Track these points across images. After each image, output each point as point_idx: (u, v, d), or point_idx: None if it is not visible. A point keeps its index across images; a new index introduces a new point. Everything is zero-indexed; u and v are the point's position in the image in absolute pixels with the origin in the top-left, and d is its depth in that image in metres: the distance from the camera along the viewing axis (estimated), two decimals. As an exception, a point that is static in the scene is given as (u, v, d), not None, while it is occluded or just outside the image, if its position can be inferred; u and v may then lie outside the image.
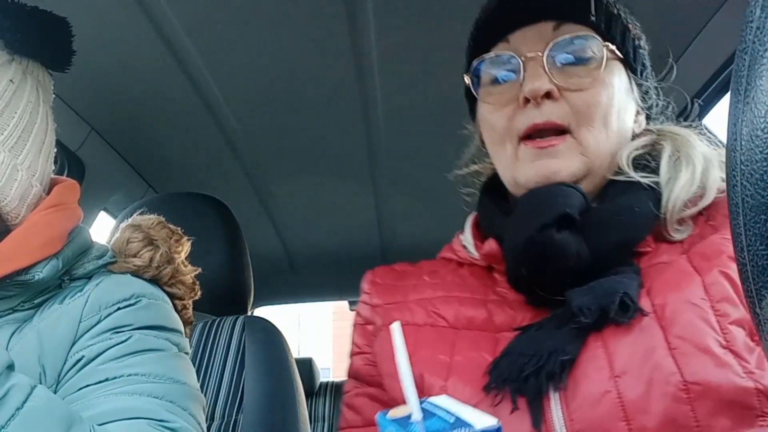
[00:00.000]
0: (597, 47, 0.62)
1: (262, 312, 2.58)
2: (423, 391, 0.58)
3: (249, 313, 1.27)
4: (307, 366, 2.30)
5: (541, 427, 0.51)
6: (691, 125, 0.67)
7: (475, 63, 0.67)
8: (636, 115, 0.67)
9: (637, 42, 0.66)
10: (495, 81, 0.65)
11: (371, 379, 0.69)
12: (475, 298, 0.64)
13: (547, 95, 0.60)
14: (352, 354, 0.73)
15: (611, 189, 0.62)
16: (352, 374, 0.72)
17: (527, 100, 0.61)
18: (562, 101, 0.61)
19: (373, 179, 1.71)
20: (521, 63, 0.62)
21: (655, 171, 0.61)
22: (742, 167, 0.24)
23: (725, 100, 0.95)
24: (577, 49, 0.61)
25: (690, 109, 0.77)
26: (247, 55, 1.15)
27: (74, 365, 0.64)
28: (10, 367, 0.52)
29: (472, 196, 0.79)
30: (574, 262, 0.56)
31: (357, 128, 1.44)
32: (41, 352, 0.64)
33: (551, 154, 0.61)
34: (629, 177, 0.61)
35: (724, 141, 0.26)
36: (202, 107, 1.32)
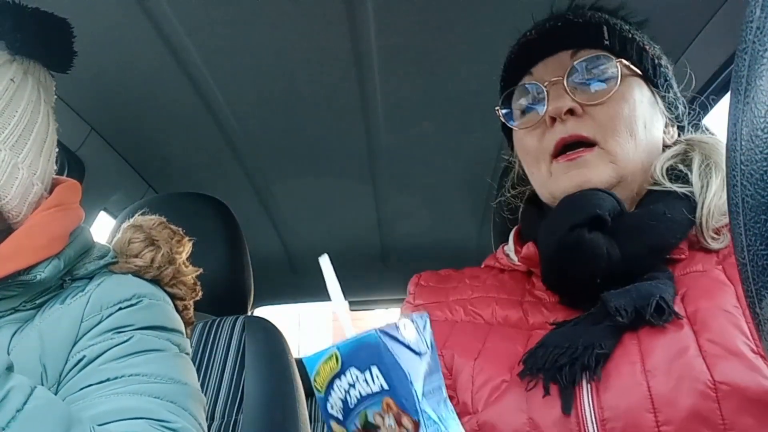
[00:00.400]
0: (612, 64, 0.66)
1: (262, 312, 2.58)
2: (452, 371, 0.63)
3: (249, 313, 1.27)
4: (307, 366, 2.29)
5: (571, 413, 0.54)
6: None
7: (503, 96, 0.73)
8: (666, 127, 0.70)
9: (656, 60, 0.70)
10: (524, 110, 0.71)
11: None
12: (511, 299, 0.69)
13: (571, 112, 0.65)
14: None
15: (647, 198, 0.65)
16: None
17: (553, 119, 0.66)
18: (585, 116, 0.65)
19: (373, 179, 1.71)
20: (544, 88, 0.68)
21: (689, 180, 0.64)
22: (742, 167, 0.24)
23: (725, 100, 0.95)
24: (595, 68, 0.67)
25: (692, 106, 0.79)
26: (247, 55, 1.15)
27: (75, 365, 0.64)
28: (10, 369, 0.52)
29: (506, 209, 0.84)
30: (605, 262, 0.58)
31: (357, 128, 1.44)
32: (42, 352, 0.64)
33: (582, 164, 0.65)
34: (664, 187, 0.63)
35: (724, 141, 0.26)
36: (202, 107, 1.32)
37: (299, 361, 1.40)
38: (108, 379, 0.62)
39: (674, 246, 0.61)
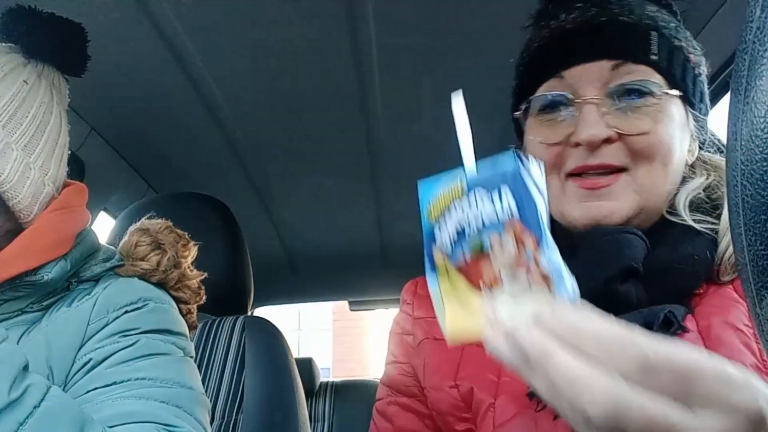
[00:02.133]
0: (657, 89, 0.58)
1: (262, 312, 2.58)
2: (472, 407, 0.59)
3: (249, 313, 1.27)
4: (307, 366, 2.30)
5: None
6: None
7: (531, 99, 0.63)
8: (690, 144, 0.64)
9: (696, 71, 0.63)
10: (546, 118, 0.62)
11: (405, 389, 0.69)
12: None
13: (605, 140, 0.58)
14: (388, 362, 0.74)
15: (670, 232, 0.60)
16: (386, 382, 0.73)
17: (579, 144, 0.59)
18: (619, 143, 0.58)
19: (373, 179, 1.71)
20: (577, 105, 0.59)
21: (710, 213, 0.60)
22: (742, 167, 0.24)
23: (725, 100, 0.95)
24: (637, 92, 0.58)
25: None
26: (248, 55, 1.15)
27: (82, 368, 0.64)
28: (26, 368, 0.53)
29: None
30: (633, 308, 0.56)
31: (357, 128, 1.44)
32: (49, 354, 0.64)
33: (602, 195, 0.58)
34: (684, 221, 0.59)
35: (724, 141, 0.26)
36: (202, 107, 1.32)
37: (299, 361, 1.41)
38: (114, 383, 0.63)
39: (698, 287, 0.58)
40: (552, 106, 0.61)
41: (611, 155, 0.58)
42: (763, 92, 0.22)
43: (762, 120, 0.22)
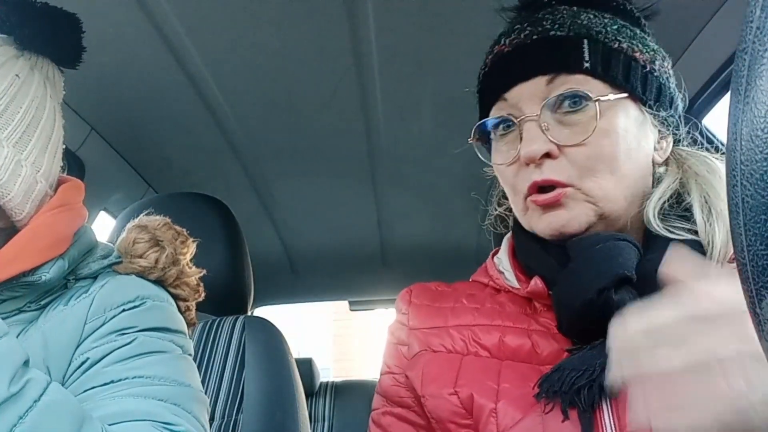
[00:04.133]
0: (591, 100, 0.59)
1: (262, 312, 2.58)
2: (473, 413, 0.59)
3: (249, 313, 1.27)
4: (307, 366, 2.30)
5: None
6: (708, 148, 0.66)
7: (476, 126, 0.67)
8: (659, 141, 0.64)
9: (648, 68, 0.62)
10: (502, 140, 0.65)
11: (400, 400, 0.69)
12: (517, 328, 0.64)
13: (547, 155, 0.59)
14: (382, 373, 0.73)
15: (658, 237, 0.60)
16: (381, 392, 0.72)
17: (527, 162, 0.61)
18: (561, 158, 0.60)
19: (373, 179, 1.71)
20: (517, 126, 0.62)
21: (687, 218, 0.60)
22: (742, 167, 0.24)
23: (725, 100, 0.95)
24: (572, 102, 0.59)
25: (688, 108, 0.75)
26: (247, 54, 1.15)
27: (79, 367, 0.64)
28: (26, 363, 0.53)
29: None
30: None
31: (357, 128, 1.44)
32: (46, 353, 0.64)
33: (556, 207, 0.60)
34: (662, 233, 0.59)
35: (724, 141, 0.26)
36: (202, 107, 1.32)
37: (299, 361, 1.41)
38: (112, 381, 0.62)
39: None
40: (504, 129, 0.64)
41: (555, 171, 0.59)
42: (763, 92, 0.22)
43: (762, 120, 0.22)
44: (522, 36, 0.63)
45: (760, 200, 0.23)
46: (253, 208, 1.84)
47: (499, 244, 0.77)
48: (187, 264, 0.80)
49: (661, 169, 0.64)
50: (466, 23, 1.08)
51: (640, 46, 0.63)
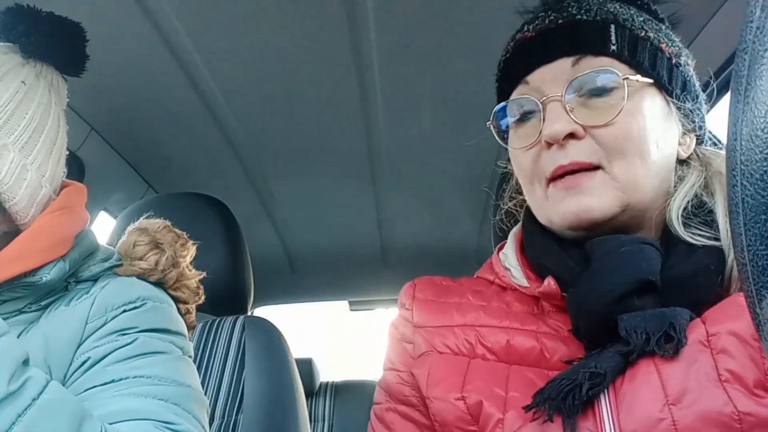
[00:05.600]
0: (621, 79, 0.58)
1: (262, 312, 2.58)
2: (480, 421, 0.58)
3: (249, 313, 1.27)
4: (307, 366, 2.30)
5: None
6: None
7: (497, 109, 0.65)
8: (683, 136, 0.63)
9: (674, 60, 0.62)
10: (518, 123, 0.64)
11: (404, 398, 0.68)
12: (525, 330, 0.62)
13: (571, 135, 0.58)
14: (386, 368, 0.72)
15: (681, 242, 0.58)
16: (384, 388, 0.71)
17: (550, 143, 0.59)
18: (588, 138, 0.58)
19: (373, 179, 1.71)
20: (540, 106, 0.60)
21: (709, 224, 0.58)
22: (742, 167, 0.24)
23: (725, 100, 0.95)
24: (598, 82, 0.58)
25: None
26: (247, 54, 1.15)
27: (80, 366, 0.64)
28: (26, 362, 0.53)
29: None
30: None
31: (357, 128, 1.44)
32: (47, 353, 0.64)
33: (580, 192, 0.58)
34: (684, 239, 0.57)
35: (724, 141, 0.26)
36: (202, 107, 1.32)
37: (299, 361, 1.41)
38: (113, 381, 0.63)
39: (712, 297, 0.56)
40: (525, 114, 0.63)
41: (582, 153, 0.58)
42: (763, 92, 0.22)
43: (762, 120, 0.22)
44: (546, 21, 0.63)
45: (760, 200, 0.23)
46: (253, 208, 1.84)
47: (498, 240, 0.76)
48: (187, 266, 0.80)
49: (683, 169, 0.63)
50: (466, 23, 1.08)
51: (666, 39, 0.62)
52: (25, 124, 0.67)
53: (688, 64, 0.64)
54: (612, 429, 0.51)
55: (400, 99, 1.32)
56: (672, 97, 0.61)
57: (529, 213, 0.70)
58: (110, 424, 0.57)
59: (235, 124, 1.40)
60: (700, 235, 0.58)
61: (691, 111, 0.63)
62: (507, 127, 0.66)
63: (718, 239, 0.57)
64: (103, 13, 1.01)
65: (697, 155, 0.64)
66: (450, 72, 1.22)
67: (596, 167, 0.58)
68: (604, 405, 0.53)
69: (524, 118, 0.63)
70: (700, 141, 0.65)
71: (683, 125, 0.63)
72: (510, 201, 0.76)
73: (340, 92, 1.28)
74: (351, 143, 1.51)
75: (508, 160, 0.71)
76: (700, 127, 0.65)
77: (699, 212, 0.59)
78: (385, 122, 1.42)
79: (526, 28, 0.65)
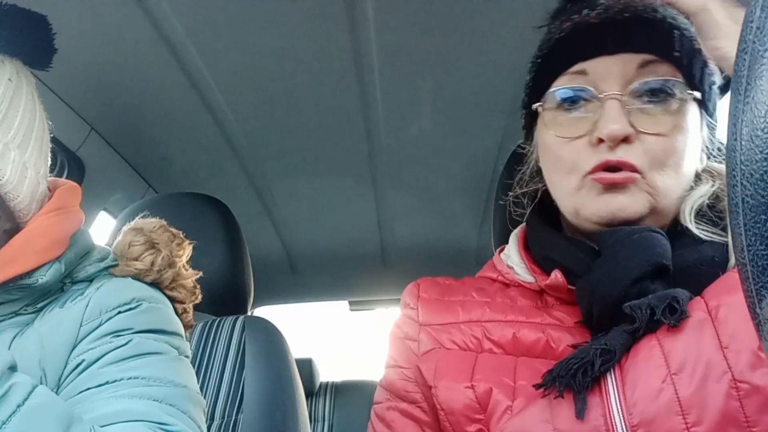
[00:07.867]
0: (680, 92, 0.58)
1: (262, 312, 2.58)
2: (488, 408, 0.58)
3: (249, 313, 1.27)
4: (307, 366, 2.30)
5: (585, 414, 0.53)
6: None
7: (552, 90, 0.63)
8: (701, 152, 0.64)
9: (712, 78, 0.62)
10: (566, 111, 0.62)
11: (406, 395, 0.68)
12: (531, 323, 0.63)
13: (624, 138, 0.58)
14: (388, 366, 0.72)
15: (687, 235, 0.60)
16: (386, 386, 0.71)
17: (601, 140, 0.59)
18: (637, 143, 0.59)
19: (373, 179, 1.71)
20: (600, 100, 0.59)
21: (716, 224, 0.60)
22: (742, 167, 0.24)
23: (725, 100, 0.95)
24: (661, 91, 0.58)
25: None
26: (247, 54, 1.15)
27: (75, 368, 0.64)
28: (12, 368, 0.52)
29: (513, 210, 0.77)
30: None
31: (357, 128, 1.44)
32: (42, 355, 0.64)
33: (619, 190, 0.59)
34: (693, 233, 0.59)
35: (724, 141, 0.26)
36: (202, 107, 1.32)
37: (299, 361, 1.41)
38: (107, 382, 0.62)
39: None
40: (572, 101, 0.61)
41: (630, 154, 0.58)
42: (763, 92, 0.22)
43: (762, 120, 0.22)
44: (612, 11, 0.61)
45: (760, 200, 0.23)
46: (253, 208, 1.84)
47: (500, 239, 0.76)
48: (184, 266, 0.80)
49: (695, 180, 0.64)
50: (466, 23, 1.08)
51: (707, 54, 0.62)
52: (18, 122, 0.67)
53: (716, 83, 0.65)
54: (617, 402, 0.53)
55: (400, 99, 1.32)
56: (707, 115, 0.63)
57: (534, 211, 0.70)
58: (104, 426, 0.57)
59: (235, 124, 1.40)
60: (706, 230, 0.59)
61: (715, 127, 0.64)
62: (545, 107, 0.64)
63: (723, 236, 0.59)
64: (103, 13, 1.01)
65: (708, 168, 0.66)
66: (450, 72, 1.22)
67: (636, 170, 0.59)
68: (610, 381, 0.54)
69: (572, 107, 0.62)
70: (709, 154, 0.67)
71: (704, 141, 0.64)
72: (524, 187, 0.74)
73: (340, 92, 1.28)
74: (351, 143, 1.51)
75: (528, 138, 0.70)
76: (713, 142, 0.66)
77: (708, 212, 0.61)
78: (385, 122, 1.42)
79: (586, 13, 0.62)
